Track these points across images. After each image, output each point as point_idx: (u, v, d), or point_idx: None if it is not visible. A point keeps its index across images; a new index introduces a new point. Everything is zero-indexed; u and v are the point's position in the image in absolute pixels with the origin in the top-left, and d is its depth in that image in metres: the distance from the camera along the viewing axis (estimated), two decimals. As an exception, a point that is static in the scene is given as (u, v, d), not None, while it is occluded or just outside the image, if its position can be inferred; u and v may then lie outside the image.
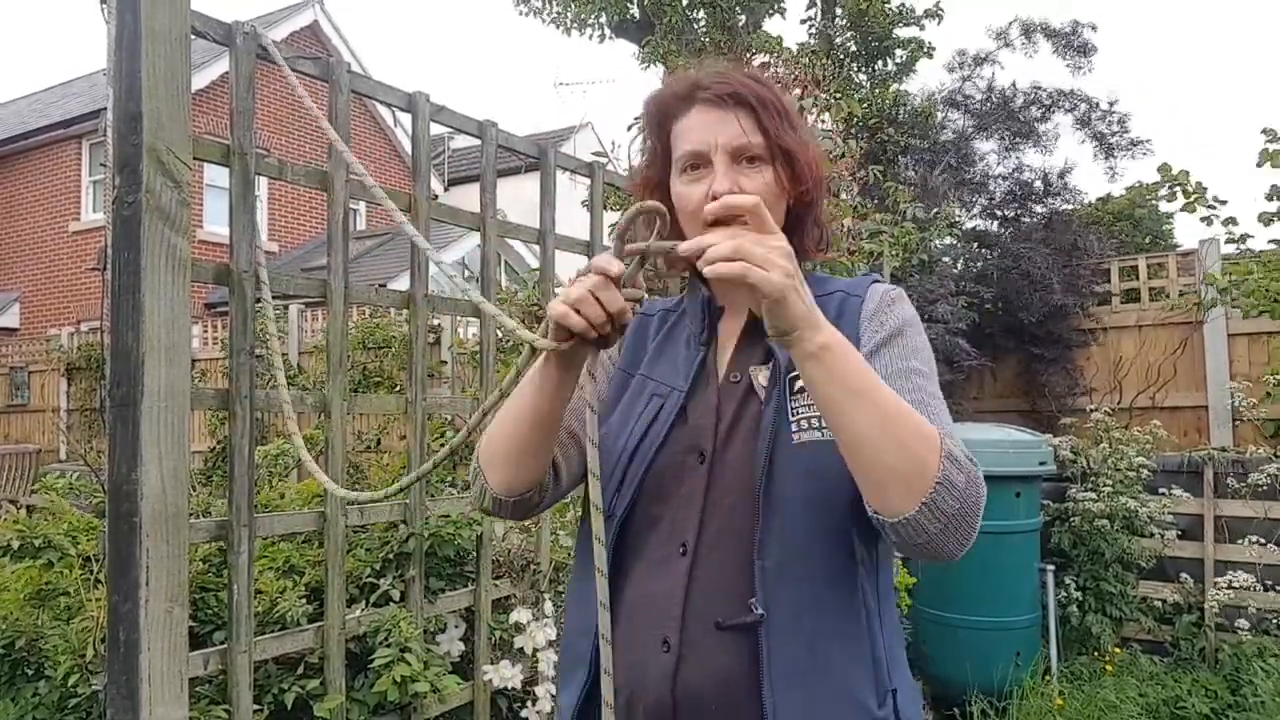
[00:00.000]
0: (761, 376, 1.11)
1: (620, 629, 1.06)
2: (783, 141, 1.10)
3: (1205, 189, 4.79)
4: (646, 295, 1.01)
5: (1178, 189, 4.83)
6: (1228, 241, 4.95)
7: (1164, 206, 8.35)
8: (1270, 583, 4.35)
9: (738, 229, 0.94)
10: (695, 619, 1.04)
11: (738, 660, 1.02)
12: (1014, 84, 7.52)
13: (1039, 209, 7.10)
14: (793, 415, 1.07)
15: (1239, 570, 4.42)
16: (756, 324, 1.10)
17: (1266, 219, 4.52)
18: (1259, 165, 4.43)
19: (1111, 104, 7.57)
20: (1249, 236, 4.87)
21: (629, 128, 3.40)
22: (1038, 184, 7.14)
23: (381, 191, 1.95)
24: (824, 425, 1.02)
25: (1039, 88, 7.46)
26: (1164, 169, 4.87)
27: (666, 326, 1.26)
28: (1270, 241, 4.62)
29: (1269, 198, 4.51)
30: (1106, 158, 7.73)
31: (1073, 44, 7.92)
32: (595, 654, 1.07)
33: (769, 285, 0.89)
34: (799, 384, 1.06)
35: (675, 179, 1.15)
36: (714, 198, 1.05)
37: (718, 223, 0.98)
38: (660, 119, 1.18)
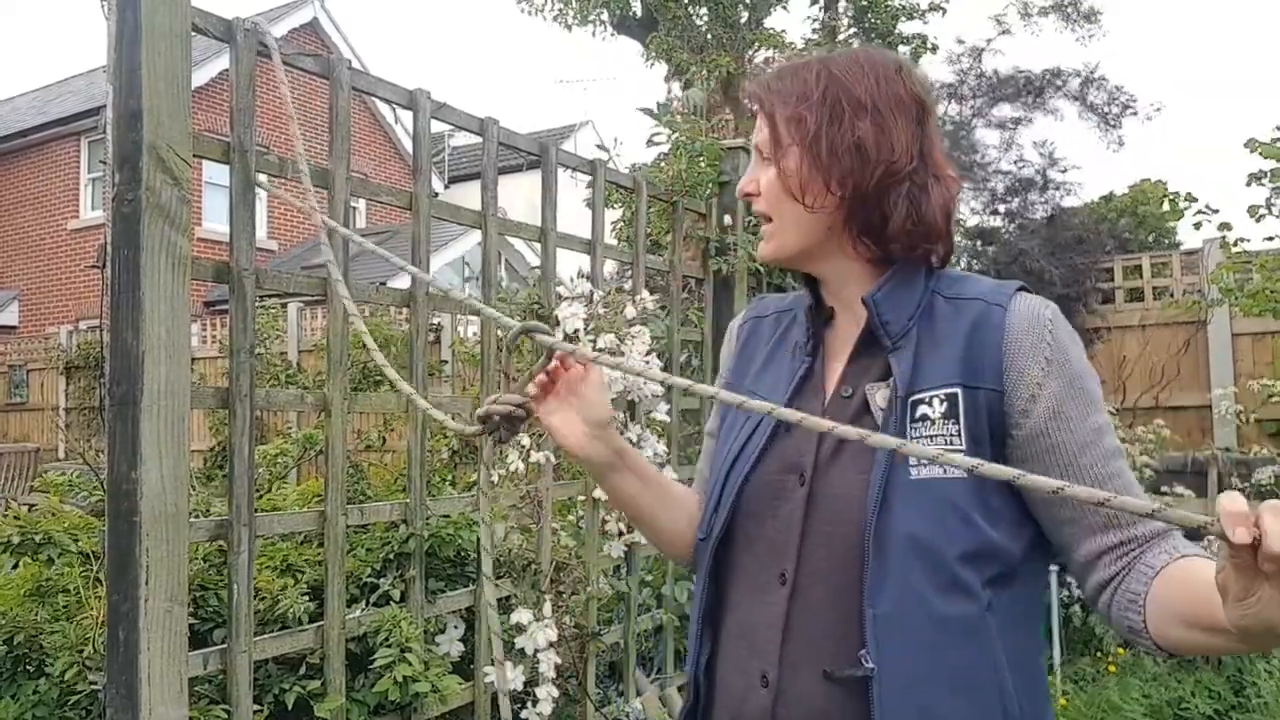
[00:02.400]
0: (880, 396, 1.02)
1: (722, 652, 1.07)
2: (796, 121, 1.04)
3: (1195, 198, 4.78)
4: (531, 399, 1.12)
5: (1165, 200, 4.83)
6: (1220, 246, 4.95)
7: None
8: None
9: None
10: (796, 659, 0.99)
11: (840, 712, 0.96)
12: (995, 72, 7.50)
13: (1040, 204, 7.09)
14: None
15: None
16: (873, 334, 1.04)
17: (1255, 214, 4.49)
18: (1251, 152, 4.41)
19: (1093, 71, 7.51)
20: (1244, 240, 4.86)
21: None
22: (1037, 177, 7.14)
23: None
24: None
25: (1021, 71, 7.43)
26: (1155, 185, 4.88)
27: (780, 330, 1.18)
28: (1265, 239, 4.61)
29: (1247, 183, 4.49)
30: (1107, 130, 7.71)
31: (1078, 10, 7.87)
32: (697, 679, 1.11)
33: None
34: (921, 409, 0.99)
35: None
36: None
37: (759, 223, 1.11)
38: None
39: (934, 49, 8.03)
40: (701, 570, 1.11)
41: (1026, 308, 1.00)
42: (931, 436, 0.98)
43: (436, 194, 3.15)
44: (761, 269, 3.40)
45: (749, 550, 1.06)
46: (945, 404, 0.98)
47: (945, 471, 0.95)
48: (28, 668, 2.26)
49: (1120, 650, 4.45)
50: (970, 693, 0.94)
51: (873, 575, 0.95)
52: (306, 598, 2.20)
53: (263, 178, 1.92)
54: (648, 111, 3.28)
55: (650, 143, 3.25)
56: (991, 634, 0.95)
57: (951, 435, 0.97)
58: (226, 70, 1.94)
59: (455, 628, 2.41)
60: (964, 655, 0.94)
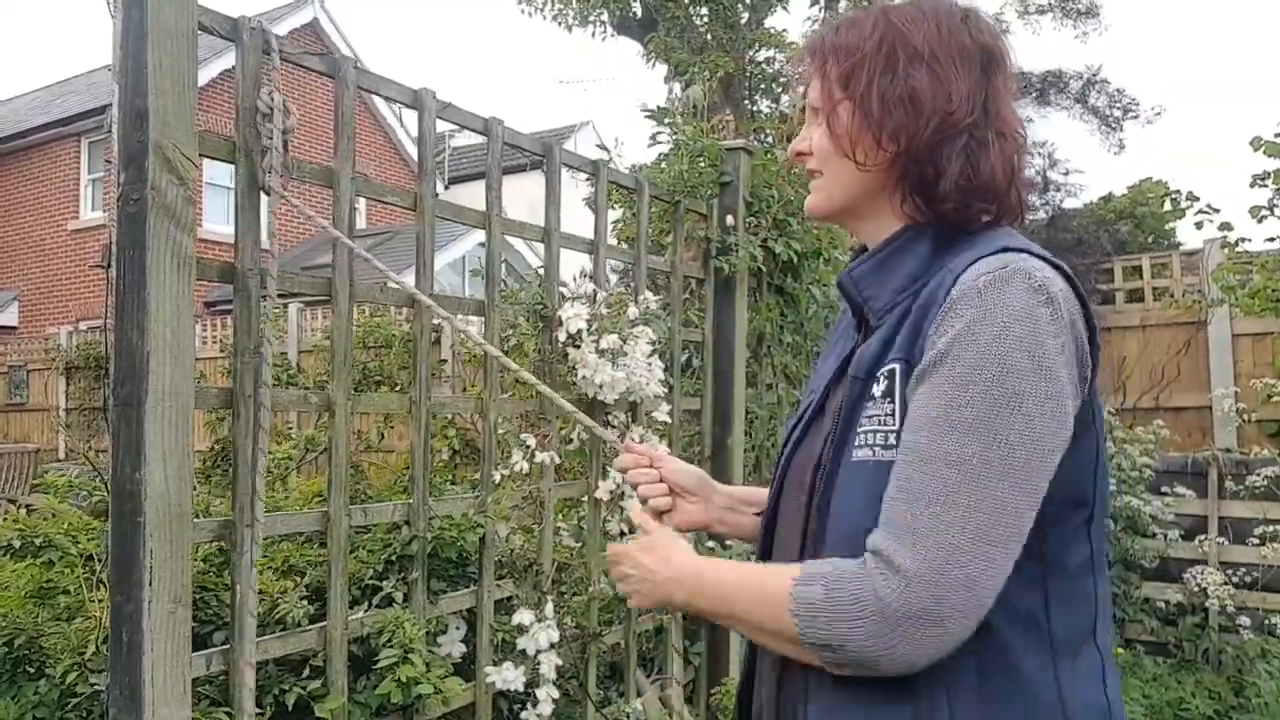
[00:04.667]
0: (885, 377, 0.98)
1: None
2: (847, 77, 1.00)
3: (1196, 197, 4.79)
4: None
5: (1167, 199, 4.84)
6: (1222, 246, 4.96)
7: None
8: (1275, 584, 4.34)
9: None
10: None
11: (800, 683, 0.99)
12: None
13: (1041, 206, 7.10)
14: (860, 427, 0.97)
15: (1243, 570, 4.41)
16: (899, 311, 0.99)
17: (1258, 214, 4.50)
18: (1255, 150, 4.41)
19: (1094, 74, 7.53)
20: (1245, 240, 4.87)
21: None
22: (1038, 179, 7.15)
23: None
24: (887, 443, 0.92)
25: (1021, 73, 7.45)
26: (1156, 184, 4.89)
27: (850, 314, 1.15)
28: (1267, 240, 4.62)
29: (1251, 185, 4.49)
30: (1108, 133, 7.72)
31: (1076, 8, 7.86)
32: (747, 658, 1.18)
33: (631, 601, 1.21)
34: (872, 388, 0.96)
35: None
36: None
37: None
38: None
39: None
40: (758, 550, 1.16)
41: (972, 274, 0.90)
42: (871, 416, 0.95)
43: (438, 194, 3.16)
44: (764, 268, 3.40)
45: (783, 530, 1.09)
46: (886, 382, 0.95)
47: (874, 454, 0.93)
48: (28, 669, 2.26)
49: (1120, 651, 4.45)
50: (888, 683, 0.91)
51: (813, 548, 0.99)
52: (306, 601, 2.20)
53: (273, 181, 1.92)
54: (651, 114, 3.28)
55: (654, 140, 3.25)
56: None
57: (886, 415, 0.94)
58: (229, 70, 1.94)
59: (457, 629, 2.40)
60: None
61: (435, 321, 6.42)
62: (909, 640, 0.85)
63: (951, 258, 0.96)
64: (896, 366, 0.94)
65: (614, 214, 3.37)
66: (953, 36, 0.98)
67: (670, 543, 1.13)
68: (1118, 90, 7.47)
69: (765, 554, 1.13)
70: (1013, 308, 0.86)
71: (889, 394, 0.94)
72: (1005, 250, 0.92)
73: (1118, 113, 7.47)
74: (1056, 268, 0.92)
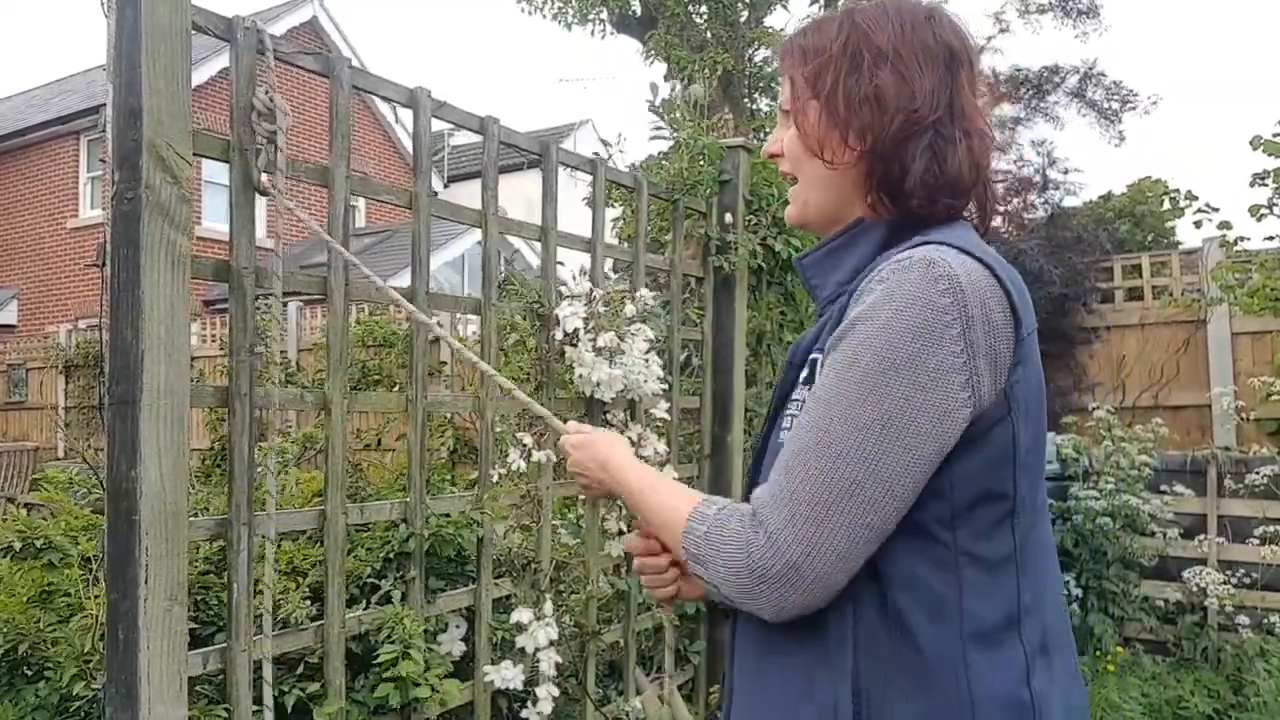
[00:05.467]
0: (809, 364, 1.04)
1: None
2: (812, 78, 1.02)
3: (1195, 196, 4.79)
4: None
5: (1166, 197, 4.84)
6: (1221, 245, 4.95)
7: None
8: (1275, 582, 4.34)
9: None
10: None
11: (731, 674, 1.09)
12: (995, 72, 7.51)
13: (1040, 205, 7.10)
14: (786, 411, 1.04)
15: (1243, 570, 4.41)
16: (839, 303, 1.03)
17: (1257, 213, 4.49)
18: (1254, 149, 4.41)
19: (1091, 67, 7.52)
20: (1244, 239, 4.87)
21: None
22: (1037, 177, 7.15)
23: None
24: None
25: (1020, 69, 7.44)
26: (1155, 183, 4.89)
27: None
28: (1266, 239, 4.61)
29: (1251, 184, 4.49)
30: (1106, 125, 7.71)
31: (1076, 7, 7.86)
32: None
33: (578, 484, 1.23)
34: (805, 374, 1.02)
35: None
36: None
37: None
38: None
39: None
40: None
41: (888, 263, 0.94)
42: (794, 400, 1.02)
43: (436, 193, 3.15)
44: (763, 266, 3.40)
45: None
46: (807, 369, 1.02)
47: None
48: (26, 672, 2.26)
49: (1119, 649, 4.45)
50: (793, 653, 0.97)
51: None
52: (307, 600, 2.19)
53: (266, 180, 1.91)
54: (653, 109, 3.28)
55: (653, 137, 3.25)
56: (851, 599, 0.92)
57: (805, 399, 0.98)
58: (225, 69, 1.94)
59: (456, 627, 2.40)
60: (799, 634, 0.95)
61: (433, 320, 6.41)
62: (771, 596, 0.90)
63: (896, 251, 0.97)
64: (818, 356, 0.99)
65: (614, 212, 3.37)
66: (916, 35, 1.00)
67: (610, 446, 1.20)
68: (1115, 83, 7.47)
69: None
70: (910, 293, 0.89)
71: (808, 381, 1.00)
72: (927, 243, 0.94)
73: (1115, 105, 7.47)
74: (984, 263, 0.93)
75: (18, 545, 2.52)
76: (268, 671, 1.88)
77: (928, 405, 0.87)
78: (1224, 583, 4.34)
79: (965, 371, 0.88)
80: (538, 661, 2.37)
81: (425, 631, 2.23)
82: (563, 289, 2.64)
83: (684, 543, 0.97)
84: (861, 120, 0.99)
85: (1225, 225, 4.78)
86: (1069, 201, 7.09)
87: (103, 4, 1.67)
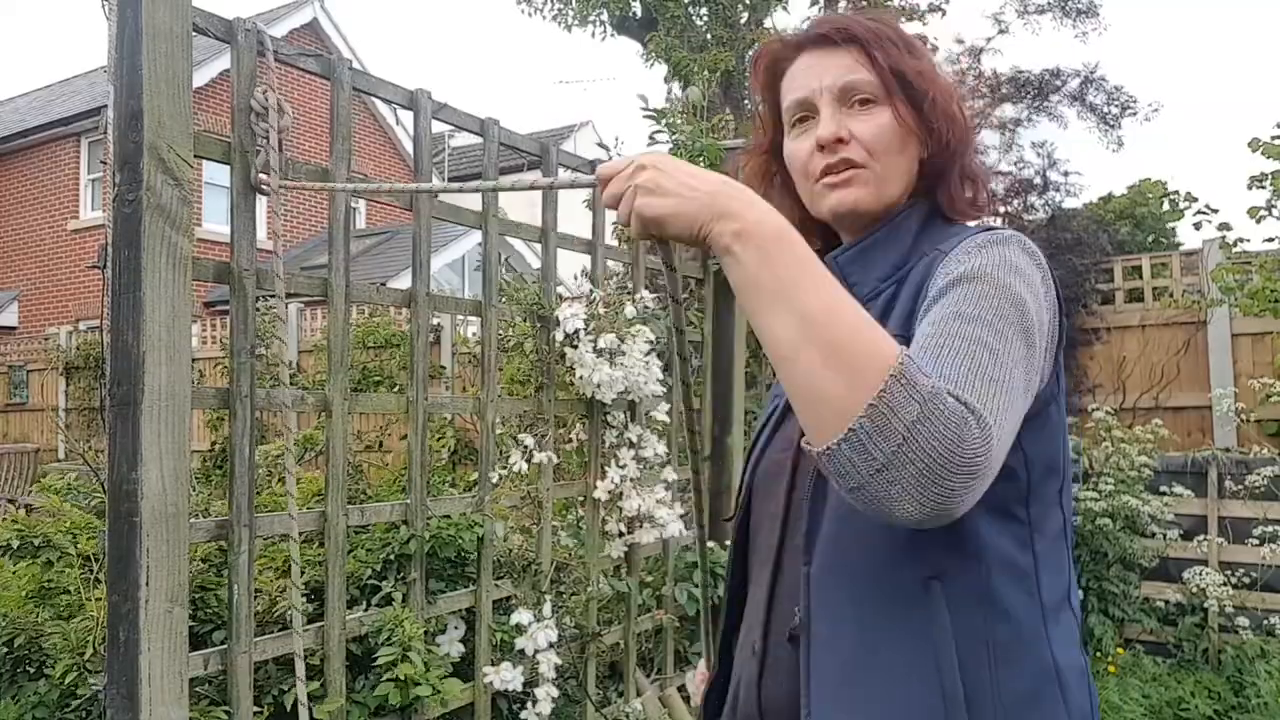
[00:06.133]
0: None
1: (741, 626, 1.10)
2: (901, 72, 0.99)
3: (1195, 198, 4.79)
4: None
5: (1165, 199, 4.84)
6: (1221, 246, 4.96)
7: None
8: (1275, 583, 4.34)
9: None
10: (776, 627, 1.00)
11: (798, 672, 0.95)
12: (995, 72, 7.51)
13: (1040, 206, 7.09)
14: (790, 412, 1.01)
15: (1242, 570, 4.41)
16: (883, 299, 0.99)
17: (1256, 215, 4.50)
18: (1253, 151, 4.41)
19: (1092, 71, 7.52)
20: (1244, 240, 4.87)
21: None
22: (1037, 179, 7.14)
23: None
24: None
25: (1020, 71, 7.44)
26: (1155, 184, 4.89)
27: None
28: (1265, 240, 4.62)
29: (1249, 187, 4.49)
30: (1106, 130, 7.71)
31: (1076, 7, 7.86)
32: (719, 654, 1.15)
33: (642, 215, 0.84)
34: None
35: (786, 137, 1.05)
36: (820, 146, 0.99)
37: (829, 171, 1.00)
38: (771, 76, 1.07)
39: (934, 50, 8.03)
40: (731, 548, 1.15)
41: (970, 240, 0.92)
42: None
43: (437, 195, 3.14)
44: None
45: (760, 528, 1.08)
46: None
47: None
48: (28, 669, 2.27)
49: (1120, 650, 4.45)
50: (897, 655, 0.89)
51: (809, 535, 0.95)
52: (306, 600, 2.20)
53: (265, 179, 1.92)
54: (650, 114, 3.28)
55: (651, 140, 3.25)
56: (942, 595, 0.89)
57: None
58: (226, 71, 1.94)
59: (456, 628, 2.40)
60: (895, 611, 0.90)
61: (433, 321, 6.42)
62: (956, 490, 0.72)
63: (939, 241, 0.99)
64: None
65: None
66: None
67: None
68: (1116, 88, 7.48)
69: (740, 557, 1.12)
70: (1013, 263, 0.89)
71: None
72: (989, 229, 0.98)
73: (1115, 110, 7.48)
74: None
75: (15, 544, 2.53)
76: (300, 669, 1.88)
77: (1031, 365, 0.84)
78: (1224, 584, 4.33)
79: (1045, 341, 0.89)
80: (537, 663, 2.37)
81: (426, 633, 2.23)
82: (562, 290, 2.65)
83: (887, 384, 0.70)
84: (939, 125, 1.02)
85: (1225, 227, 4.79)
86: (1069, 203, 7.09)
87: (104, 6, 1.67)
